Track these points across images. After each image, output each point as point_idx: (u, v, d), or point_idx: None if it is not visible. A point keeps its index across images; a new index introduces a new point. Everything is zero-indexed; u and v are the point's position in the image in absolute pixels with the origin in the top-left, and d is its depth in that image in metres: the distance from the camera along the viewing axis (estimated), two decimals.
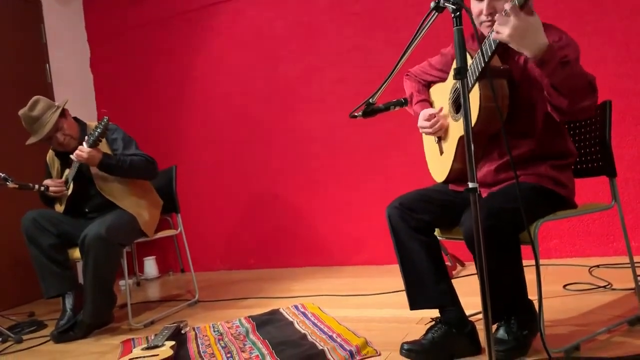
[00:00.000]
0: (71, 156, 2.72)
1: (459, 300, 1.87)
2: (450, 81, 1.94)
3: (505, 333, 1.71)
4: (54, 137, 2.80)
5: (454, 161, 1.89)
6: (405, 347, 1.80)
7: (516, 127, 1.76)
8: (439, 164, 2.01)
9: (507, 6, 1.45)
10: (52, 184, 2.86)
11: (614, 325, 1.90)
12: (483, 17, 1.74)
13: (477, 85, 1.71)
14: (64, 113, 2.84)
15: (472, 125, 1.69)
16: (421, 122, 1.96)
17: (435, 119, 1.92)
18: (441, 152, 1.99)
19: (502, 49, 1.72)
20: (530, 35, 1.48)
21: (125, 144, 2.90)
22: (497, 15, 1.51)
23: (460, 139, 1.83)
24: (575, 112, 1.61)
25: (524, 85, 1.74)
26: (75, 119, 2.95)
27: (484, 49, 1.63)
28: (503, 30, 1.48)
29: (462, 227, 1.68)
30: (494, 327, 1.75)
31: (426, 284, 1.85)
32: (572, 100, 1.56)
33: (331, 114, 3.78)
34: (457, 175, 1.93)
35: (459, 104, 1.86)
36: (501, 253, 1.59)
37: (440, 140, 1.99)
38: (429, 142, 2.08)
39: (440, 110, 1.94)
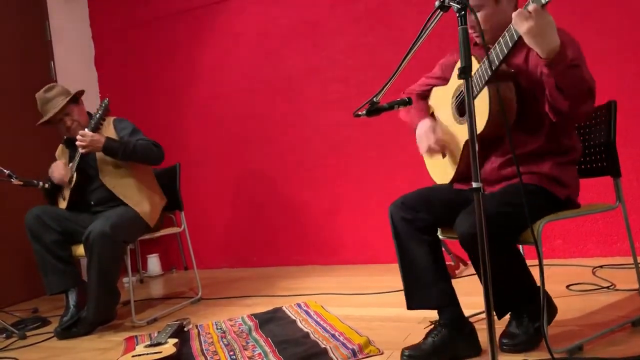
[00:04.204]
0: (78, 146, 2.73)
1: (458, 302, 1.85)
2: (453, 85, 1.93)
3: (516, 327, 1.76)
4: (63, 120, 2.84)
5: (459, 164, 1.89)
6: (406, 353, 1.79)
7: (526, 124, 1.77)
8: (440, 167, 2.01)
9: (530, 6, 1.47)
10: (58, 169, 2.88)
11: (618, 326, 1.89)
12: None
13: (486, 89, 1.71)
14: (77, 100, 2.88)
15: (483, 128, 1.72)
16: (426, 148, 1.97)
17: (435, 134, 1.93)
18: (443, 156, 1.99)
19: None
20: (547, 33, 1.49)
21: (132, 131, 2.94)
22: (516, 11, 1.51)
23: (467, 142, 1.82)
24: (576, 115, 1.66)
25: (529, 83, 1.75)
26: (88, 112, 2.97)
27: (498, 47, 1.64)
28: (522, 25, 1.49)
29: (456, 230, 1.68)
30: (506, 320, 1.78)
31: (425, 284, 1.84)
32: (572, 103, 1.60)
33: (335, 112, 3.77)
34: (461, 176, 1.93)
35: (463, 107, 1.85)
36: (497, 257, 1.56)
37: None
38: None
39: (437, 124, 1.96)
